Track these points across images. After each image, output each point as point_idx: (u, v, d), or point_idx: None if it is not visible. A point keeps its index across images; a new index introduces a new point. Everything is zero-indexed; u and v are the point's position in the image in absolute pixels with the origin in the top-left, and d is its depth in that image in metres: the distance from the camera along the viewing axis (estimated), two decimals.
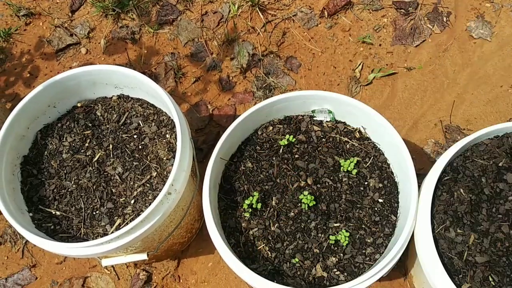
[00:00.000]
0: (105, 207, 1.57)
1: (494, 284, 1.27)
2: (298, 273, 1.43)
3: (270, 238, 1.49)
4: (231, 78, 2.39)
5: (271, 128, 1.65)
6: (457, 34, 2.38)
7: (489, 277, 1.28)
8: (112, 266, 2.07)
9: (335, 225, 1.49)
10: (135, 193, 1.59)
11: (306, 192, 1.49)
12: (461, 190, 1.38)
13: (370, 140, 1.60)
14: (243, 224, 1.51)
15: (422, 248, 1.33)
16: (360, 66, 2.35)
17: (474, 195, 1.37)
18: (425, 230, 1.32)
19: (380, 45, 2.39)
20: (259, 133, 1.64)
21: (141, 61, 2.47)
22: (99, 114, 1.77)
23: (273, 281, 1.39)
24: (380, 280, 1.80)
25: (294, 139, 1.58)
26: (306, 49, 2.43)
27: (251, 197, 1.49)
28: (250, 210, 1.51)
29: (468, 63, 2.31)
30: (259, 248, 1.48)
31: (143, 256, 1.67)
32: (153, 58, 2.50)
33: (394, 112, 2.24)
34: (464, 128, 2.16)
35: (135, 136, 1.70)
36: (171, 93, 2.37)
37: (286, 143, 1.58)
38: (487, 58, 2.30)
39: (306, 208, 1.49)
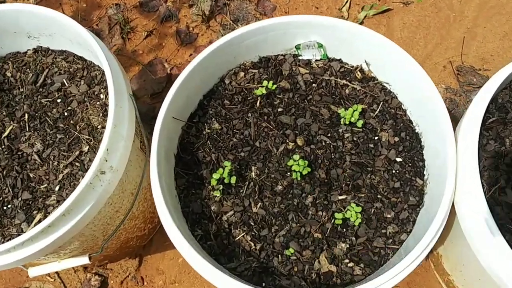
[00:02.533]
0: (19, 199, 1.13)
1: None
2: (296, 269, 1.02)
3: (252, 224, 1.07)
4: (191, 29, 1.93)
5: (242, 74, 1.21)
6: None
7: None
8: (57, 272, 1.63)
9: (340, 197, 1.07)
10: (60, 176, 1.14)
11: (296, 157, 1.06)
12: None
13: (377, 80, 1.18)
14: (213, 208, 1.08)
15: (470, 222, 0.93)
16: (348, 4, 1.92)
17: None
18: (474, 196, 0.92)
19: None
20: (227, 82, 1.20)
21: (79, 17, 1.98)
22: (9, 74, 1.31)
23: (261, 285, 0.99)
24: None
25: (275, 86, 1.15)
26: None
27: (221, 170, 1.06)
28: (221, 187, 1.08)
29: None
30: (237, 238, 1.06)
31: (84, 260, 1.24)
32: (94, 12, 2.01)
33: None
34: (480, 69, 1.77)
35: (58, 100, 1.24)
36: (118, 53, 1.90)
37: (264, 92, 1.14)
38: None
39: (299, 178, 1.08)
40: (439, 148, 1.01)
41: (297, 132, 1.15)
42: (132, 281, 1.60)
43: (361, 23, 1.89)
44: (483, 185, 0.96)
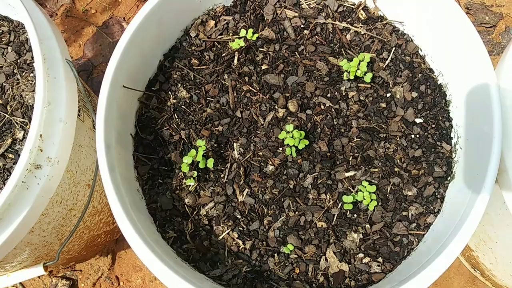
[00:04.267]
0: None
1: None
2: (297, 271, 0.80)
3: (239, 217, 0.83)
4: None
5: (212, 23, 0.93)
6: None
7: None
8: (20, 282, 1.40)
9: (348, 174, 0.84)
10: None
11: (289, 127, 0.82)
12: None
13: (386, 19, 0.92)
14: (187, 201, 0.84)
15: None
16: None
17: None
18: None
19: None
20: (193, 34, 0.93)
21: None
22: None
23: None
24: None
25: (256, 36, 0.88)
26: None
27: (193, 151, 0.81)
28: (196, 173, 0.84)
29: None
30: (221, 237, 0.82)
31: (38, 271, 1.02)
32: None
33: None
34: (492, 5, 1.51)
35: None
36: (67, 14, 1.59)
37: (242, 45, 0.88)
38: None
39: (294, 154, 0.83)
40: (476, 100, 0.77)
41: (288, 94, 0.89)
42: (106, 282, 1.38)
43: None
44: None
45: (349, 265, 0.79)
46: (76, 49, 1.56)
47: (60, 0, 1.61)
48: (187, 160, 0.81)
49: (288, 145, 0.82)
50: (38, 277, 1.40)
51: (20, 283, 1.39)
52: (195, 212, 0.84)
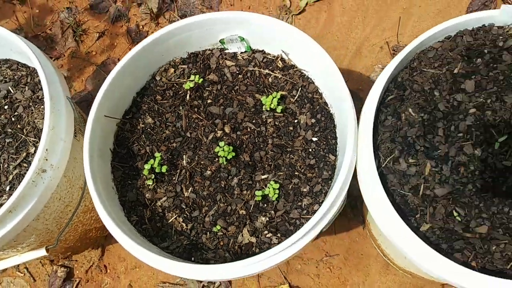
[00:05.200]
0: None
1: (460, 219, 1.00)
2: (221, 243, 1.13)
3: (184, 207, 1.18)
4: (141, 27, 2.01)
5: (172, 70, 1.30)
6: None
7: (453, 211, 1.01)
8: (26, 268, 1.74)
9: (263, 177, 1.18)
10: (10, 177, 1.24)
11: (222, 143, 1.17)
12: (410, 110, 1.09)
13: (296, 67, 1.28)
14: (147, 195, 1.19)
15: (366, 189, 1.05)
16: None
17: (426, 114, 1.08)
18: (368, 165, 1.03)
19: None
20: (158, 78, 1.30)
21: (33, 23, 2.06)
22: None
23: (190, 259, 1.10)
24: (334, 232, 1.53)
25: (201, 79, 1.25)
26: None
27: (152, 160, 1.17)
28: (153, 176, 1.19)
29: None
30: (170, 221, 1.17)
31: (41, 252, 1.35)
32: (47, 17, 2.08)
33: (334, 40, 1.92)
34: None
35: (5, 107, 1.33)
36: (73, 55, 1.98)
37: (192, 86, 1.24)
38: None
39: (225, 163, 1.18)
40: (345, 125, 1.11)
41: (225, 121, 1.25)
42: (96, 270, 1.71)
43: (303, 11, 1.98)
44: (379, 156, 1.07)
45: (257, 239, 1.12)
46: (79, 83, 1.95)
47: (67, 44, 2.01)
48: (147, 166, 1.16)
49: (220, 156, 1.17)
50: (42, 265, 1.74)
51: (27, 269, 1.73)
52: (152, 204, 1.18)
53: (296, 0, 1.99)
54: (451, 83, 1.09)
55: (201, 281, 1.68)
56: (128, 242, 1.02)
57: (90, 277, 1.73)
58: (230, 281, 1.69)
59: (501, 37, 1.11)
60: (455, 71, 1.10)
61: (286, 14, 1.97)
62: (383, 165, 1.06)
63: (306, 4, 1.97)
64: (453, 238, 0.99)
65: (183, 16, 2.00)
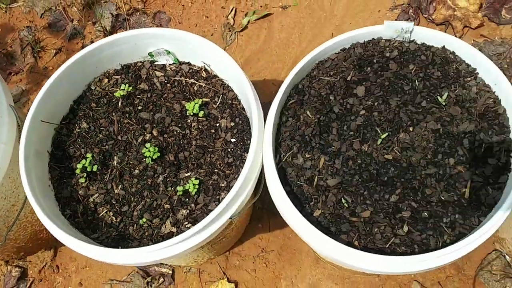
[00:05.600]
0: None
1: (348, 205, 1.15)
2: (146, 234, 1.26)
3: (115, 202, 1.31)
4: None
5: (106, 80, 1.45)
6: None
7: (342, 199, 1.16)
8: None
9: (186, 175, 1.32)
10: None
11: (148, 145, 1.31)
12: (308, 112, 1.25)
13: (218, 77, 1.44)
14: (80, 192, 1.32)
15: (269, 182, 1.19)
16: (233, 12, 2.18)
17: (322, 116, 1.24)
18: (269, 161, 1.18)
19: None
20: (93, 88, 1.44)
21: None
22: None
23: (117, 248, 1.23)
24: (269, 229, 1.66)
25: (131, 88, 1.39)
26: (175, 1, 2.22)
27: (84, 160, 1.30)
28: (85, 174, 1.32)
29: None
30: (101, 215, 1.29)
31: None
32: (7, 35, 2.22)
33: (273, 55, 2.09)
34: None
35: None
36: (31, 70, 2.12)
37: (122, 94, 1.39)
38: None
39: (151, 162, 1.32)
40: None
41: (154, 125, 1.39)
42: (49, 269, 1.82)
43: (246, 28, 2.15)
44: (281, 152, 1.22)
45: (177, 229, 1.25)
46: (35, 96, 2.07)
47: (26, 59, 2.14)
48: (79, 166, 1.29)
49: (146, 156, 1.31)
50: None
51: None
52: (85, 200, 1.31)
53: (239, 18, 2.17)
54: (345, 89, 1.26)
55: (145, 278, 1.80)
56: (58, 232, 1.14)
57: (43, 277, 1.84)
58: (173, 277, 1.81)
59: (387, 49, 1.28)
60: (348, 78, 1.27)
61: (230, 31, 2.14)
62: (283, 160, 1.21)
63: (248, 22, 2.15)
64: (341, 222, 1.14)
65: None
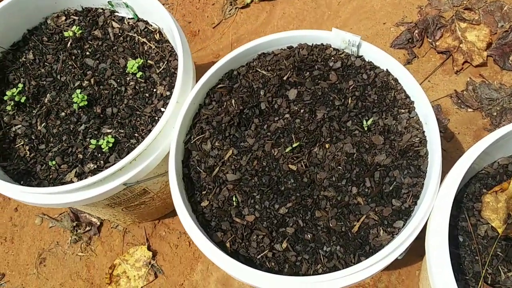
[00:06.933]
0: None
1: (236, 204, 1.11)
2: (50, 176, 1.27)
3: (34, 138, 1.32)
4: None
5: (64, 18, 1.45)
6: None
7: (234, 197, 1.11)
8: None
9: (108, 131, 1.31)
10: None
11: (78, 91, 1.30)
12: (233, 101, 1.20)
13: (169, 43, 1.40)
14: (4, 119, 1.34)
15: (170, 157, 1.16)
16: None
17: (247, 109, 1.19)
18: (177, 137, 1.15)
19: None
20: (49, 22, 1.44)
21: None
22: None
23: (19, 183, 1.25)
24: None
25: (80, 31, 1.39)
26: None
27: (14, 89, 1.31)
28: (13, 103, 1.33)
29: None
30: (17, 146, 1.31)
31: None
32: None
33: None
34: None
35: None
36: None
37: (71, 35, 1.38)
38: None
39: (77, 109, 1.32)
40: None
41: (96, 74, 1.38)
42: None
43: (247, 6, 2.09)
44: (192, 133, 1.18)
45: (78, 179, 1.25)
46: None
47: None
48: (9, 93, 1.31)
49: (75, 102, 1.31)
50: None
51: None
52: (7, 127, 1.33)
53: None
54: (278, 87, 1.20)
55: (73, 221, 1.83)
56: None
57: None
58: (99, 229, 1.83)
59: (332, 58, 1.20)
60: (284, 78, 1.20)
61: (231, 5, 2.09)
62: (192, 141, 1.18)
63: (252, 1, 2.08)
64: (223, 219, 1.10)
65: None
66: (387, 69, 1.16)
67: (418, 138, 1.09)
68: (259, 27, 2.05)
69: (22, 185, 1.26)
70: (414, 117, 1.12)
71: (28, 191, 1.12)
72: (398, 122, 1.12)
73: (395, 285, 1.48)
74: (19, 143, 1.32)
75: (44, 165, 1.29)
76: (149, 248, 1.76)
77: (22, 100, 1.32)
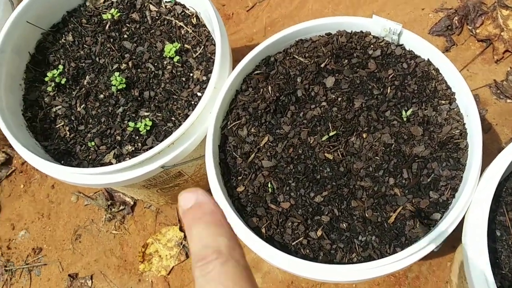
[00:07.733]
0: None
1: (272, 191, 1.12)
2: (90, 157, 1.31)
3: (73, 119, 1.35)
4: None
5: (102, 0, 1.46)
6: None
7: (269, 183, 1.12)
8: None
9: (145, 114, 1.34)
10: None
11: (117, 73, 1.32)
12: (269, 88, 1.20)
13: (206, 28, 1.40)
14: (46, 99, 1.37)
15: (208, 142, 1.17)
16: None
17: (283, 95, 1.19)
18: (215, 122, 1.16)
19: None
20: (88, 4, 1.46)
21: None
22: None
23: (60, 162, 1.29)
24: None
25: (119, 14, 1.40)
26: None
27: (55, 70, 1.34)
28: (53, 84, 1.36)
29: None
30: (57, 126, 1.35)
31: None
32: None
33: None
34: None
35: None
36: None
37: (109, 17, 1.40)
38: None
39: (116, 91, 1.34)
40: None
41: (134, 57, 1.40)
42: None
43: None
44: (229, 119, 1.19)
45: (117, 162, 1.28)
46: None
47: None
48: (50, 74, 1.34)
49: (113, 84, 1.33)
50: None
51: None
52: (47, 107, 1.37)
53: None
54: (315, 74, 1.19)
55: (108, 200, 1.88)
56: (11, 138, 1.20)
57: (24, 169, 1.97)
58: (133, 209, 1.88)
59: (372, 46, 1.18)
60: (322, 65, 1.19)
61: None
62: (228, 127, 1.19)
63: None
64: (259, 205, 1.12)
65: None
66: (428, 59, 1.13)
67: (459, 131, 1.07)
68: (293, 11, 2.03)
69: (62, 164, 1.30)
70: (455, 109, 1.09)
71: (69, 171, 1.16)
72: (438, 113, 1.10)
73: (425, 276, 1.48)
74: (60, 123, 1.36)
75: (84, 145, 1.33)
76: (180, 229, 1.80)
77: (63, 82, 1.35)
